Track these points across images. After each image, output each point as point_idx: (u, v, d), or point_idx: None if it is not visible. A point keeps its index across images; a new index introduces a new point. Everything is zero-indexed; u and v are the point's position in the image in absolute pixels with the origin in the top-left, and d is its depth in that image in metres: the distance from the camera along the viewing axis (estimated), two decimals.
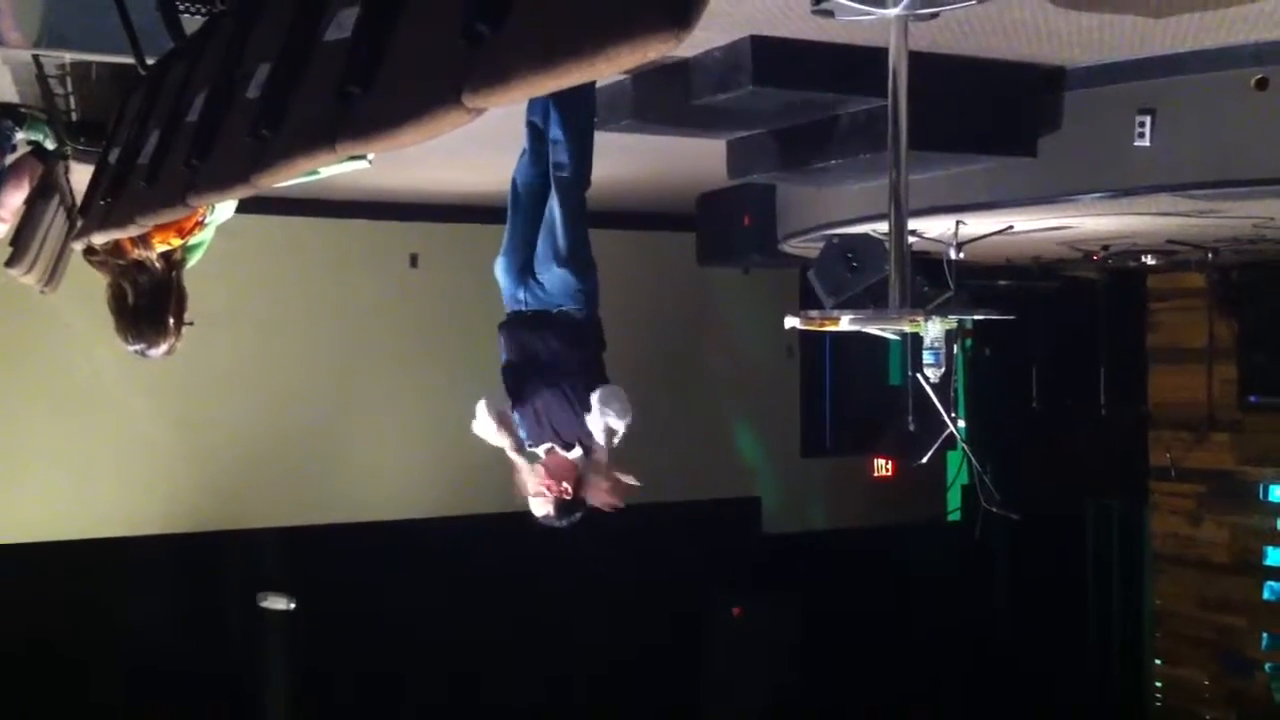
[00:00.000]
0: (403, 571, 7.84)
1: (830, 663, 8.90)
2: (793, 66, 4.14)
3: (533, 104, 3.81)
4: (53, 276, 4.86)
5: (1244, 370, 8.29)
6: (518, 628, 8.13)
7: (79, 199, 4.12)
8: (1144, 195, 4.71)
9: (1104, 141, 4.53)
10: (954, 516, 10.09)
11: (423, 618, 7.84)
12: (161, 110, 2.92)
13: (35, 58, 3.92)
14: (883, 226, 4.44)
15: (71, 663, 7.13)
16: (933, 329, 4.44)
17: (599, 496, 3.83)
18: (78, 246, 3.52)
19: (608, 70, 1.36)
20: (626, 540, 6.70)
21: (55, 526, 7.17)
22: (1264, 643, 8.36)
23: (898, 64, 3.32)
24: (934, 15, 3.42)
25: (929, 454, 7.23)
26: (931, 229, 5.82)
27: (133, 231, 3.09)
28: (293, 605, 7.30)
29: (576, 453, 3.90)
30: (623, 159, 5.76)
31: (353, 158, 2.37)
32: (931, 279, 6.22)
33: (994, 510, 6.95)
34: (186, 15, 3.22)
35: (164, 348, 3.64)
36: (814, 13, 3.57)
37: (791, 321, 3.77)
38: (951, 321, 4.86)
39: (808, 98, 4.42)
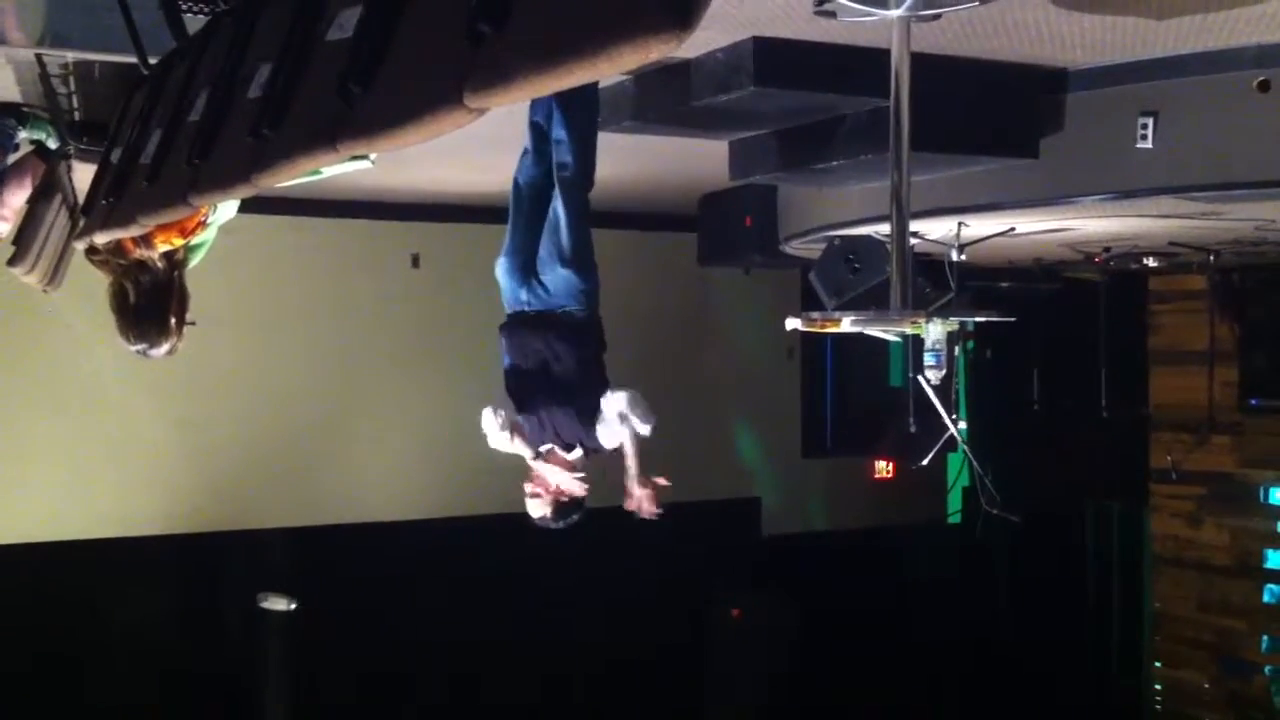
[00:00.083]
0: (403, 572, 7.84)
1: (830, 664, 8.90)
2: (795, 67, 4.14)
3: (536, 104, 3.81)
4: (55, 276, 4.86)
5: (1245, 373, 8.29)
6: (518, 628, 8.13)
7: (81, 198, 4.12)
8: (1146, 197, 4.71)
9: (1106, 143, 4.53)
10: (954, 518, 10.09)
11: (423, 618, 7.83)
12: (164, 110, 2.92)
13: (38, 57, 3.92)
14: (884, 228, 4.43)
15: (72, 663, 7.13)
16: (934, 330, 4.43)
17: (643, 507, 3.83)
18: (80, 246, 3.52)
19: (610, 70, 1.36)
20: (626, 541, 6.68)
21: (56, 527, 7.17)
22: (1264, 646, 8.36)
23: (900, 65, 3.32)
24: (936, 16, 3.42)
25: (930, 455, 7.22)
26: (933, 230, 5.82)
27: (135, 231, 3.09)
28: (293, 606, 7.30)
29: (576, 454, 3.90)
30: (624, 159, 5.76)
31: (354, 157, 2.37)
32: (933, 280, 6.22)
33: (994, 512, 6.95)
34: (189, 15, 3.22)
35: (165, 348, 3.65)
36: (816, 13, 3.58)
37: (793, 323, 3.76)
38: (953, 323, 4.86)
39: (809, 99, 4.42)
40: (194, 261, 3.75)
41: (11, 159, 4.50)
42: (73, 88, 4.26)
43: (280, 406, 7.75)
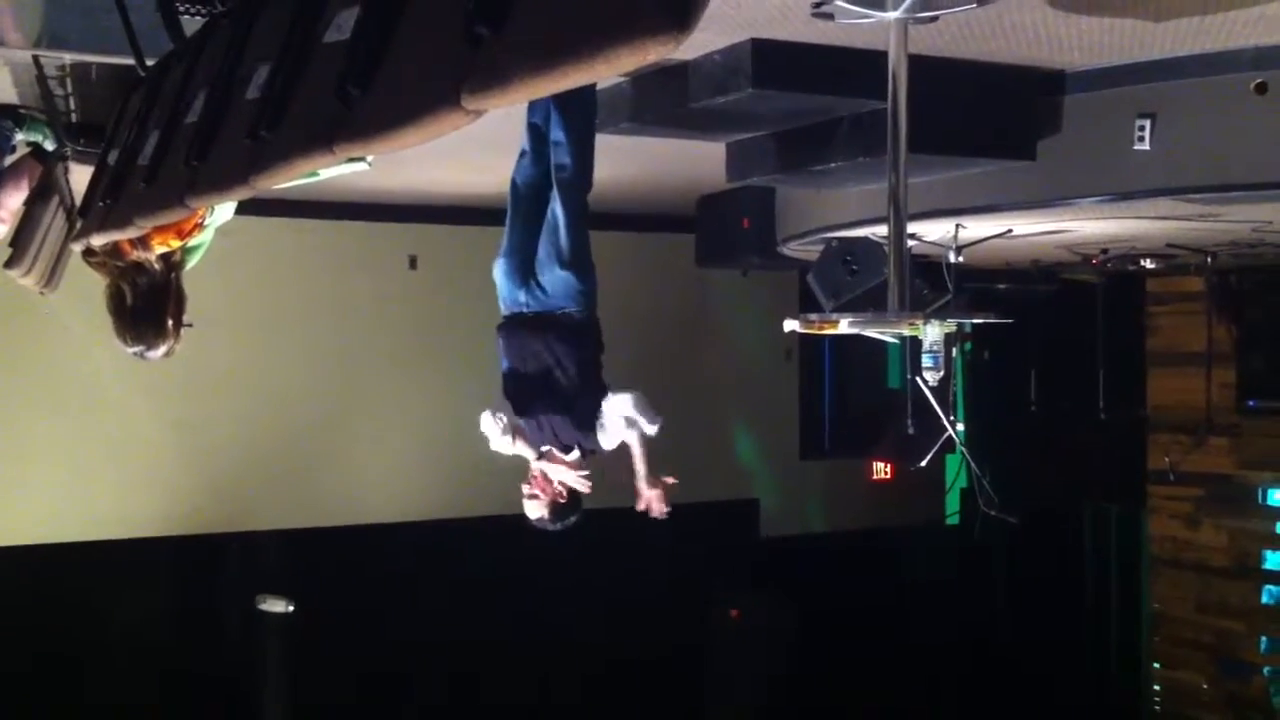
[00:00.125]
0: (401, 573, 7.84)
1: (829, 665, 8.90)
2: (792, 69, 4.14)
3: (534, 106, 3.81)
4: (52, 278, 4.85)
5: (1242, 374, 8.30)
6: (516, 629, 8.13)
7: (78, 200, 4.12)
8: (1143, 199, 4.71)
9: (1104, 145, 4.53)
10: (953, 520, 10.09)
11: (421, 620, 7.83)
12: (161, 111, 2.92)
13: (35, 58, 3.91)
14: (882, 229, 4.43)
15: (70, 665, 7.13)
16: (932, 332, 4.43)
17: (653, 507, 3.84)
18: (77, 248, 3.51)
19: (607, 72, 1.36)
20: (625, 542, 6.69)
21: (54, 528, 7.17)
22: (1262, 646, 8.36)
23: (897, 67, 3.32)
24: (933, 18, 3.43)
25: (928, 457, 7.23)
26: (931, 232, 5.82)
27: (132, 233, 3.08)
28: (291, 608, 7.29)
29: (574, 455, 3.91)
30: (622, 161, 5.76)
31: (352, 159, 2.37)
32: (931, 282, 6.23)
33: (993, 513, 6.95)
34: (186, 16, 3.21)
35: (163, 349, 3.64)
36: (814, 15, 3.58)
37: (791, 324, 3.77)
38: (950, 325, 4.85)
39: (807, 100, 4.42)
40: (191, 263, 3.75)
41: (8, 160, 4.49)
42: (70, 89, 4.26)
43: (278, 408, 7.75)
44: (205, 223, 3.64)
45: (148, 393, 7.29)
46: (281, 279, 7.84)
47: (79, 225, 3.60)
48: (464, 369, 7.32)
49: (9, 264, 4.48)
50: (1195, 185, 4.49)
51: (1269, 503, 8.34)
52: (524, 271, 3.83)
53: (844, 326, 3.65)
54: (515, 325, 3.87)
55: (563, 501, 3.94)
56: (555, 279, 3.77)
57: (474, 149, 5.42)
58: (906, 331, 4.06)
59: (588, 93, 3.78)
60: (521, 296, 3.84)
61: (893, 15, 3.25)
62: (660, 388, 3.96)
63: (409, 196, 7.71)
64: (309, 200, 7.22)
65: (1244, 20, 3.77)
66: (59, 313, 6.68)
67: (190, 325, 3.70)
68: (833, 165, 4.83)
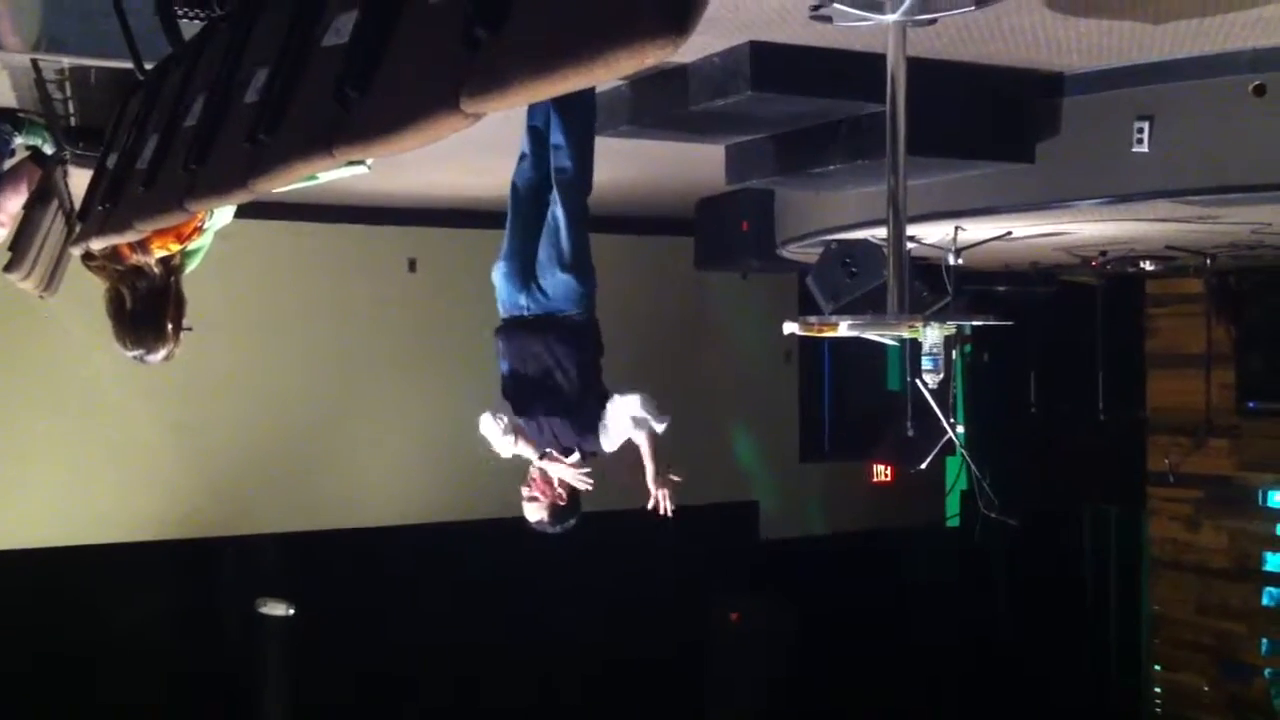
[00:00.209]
0: (401, 576, 7.84)
1: (829, 667, 8.89)
2: (791, 72, 4.14)
3: (534, 109, 3.82)
4: (51, 281, 4.85)
5: (1242, 375, 8.29)
6: (516, 632, 8.12)
7: (78, 204, 4.12)
8: (1142, 201, 4.71)
9: (1102, 147, 4.53)
10: (953, 522, 10.09)
11: (421, 623, 7.83)
12: (160, 115, 2.92)
13: (34, 62, 3.92)
14: (881, 232, 4.43)
15: (70, 668, 7.12)
16: (931, 334, 4.43)
17: (662, 504, 3.84)
18: (76, 252, 3.52)
19: (606, 75, 1.36)
20: (625, 545, 6.71)
21: (54, 532, 7.16)
22: (1263, 648, 8.36)
23: (896, 69, 3.32)
24: (932, 21, 3.43)
25: (928, 459, 7.23)
26: (930, 234, 5.82)
27: (131, 237, 3.08)
28: (291, 611, 7.29)
29: (574, 457, 3.91)
30: (621, 164, 5.77)
31: (351, 163, 2.37)
32: (930, 284, 6.22)
33: (992, 515, 6.95)
34: (185, 20, 3.21)
35: (162, 353, 3.64)
36: (812, 18, 3.58)
37: (790, 327, 3.76)
38: (950, 327, 4.86)
39: (806, 103, 4.42)
40: (190, 267, 3.75)
41: (7, 164, 4.49)
42: (68, 93, 4.26)
43: (278, 411, 7.75)
44: (205, 226, 3.64)
45: (147, 396, 7.29)
46: (281, 282, 7.84)
47: (78, 229, 3.60)
48: (463, 372, 7.32)
49: (8, 268, 4.48)
50: (1194, 187, 4.49)
51: (1269, 504, 8.34)
52: (524, 274, 3.83)
53: (843, 329, 3.65)
54: (515, 327, 3.88)
55: (562, 504, 3.94)
56: (556, 282, 3.77)
57: (473, 152, 5.42)
58: (906, 334, 4.05)
59: (587, 96, 3.79)
60: (522, 299, 3.84)
61: (891, 18, 3.25)
62: (660, 390, 3.96)
63: (408, 199, 7.72)
64: (308, 203, 7.22)
65: (1242, 22, 3.78)
66: (59, 316, 6.69)
67: (190, 329, 3.70)
68: (832, 168, 4.83)
